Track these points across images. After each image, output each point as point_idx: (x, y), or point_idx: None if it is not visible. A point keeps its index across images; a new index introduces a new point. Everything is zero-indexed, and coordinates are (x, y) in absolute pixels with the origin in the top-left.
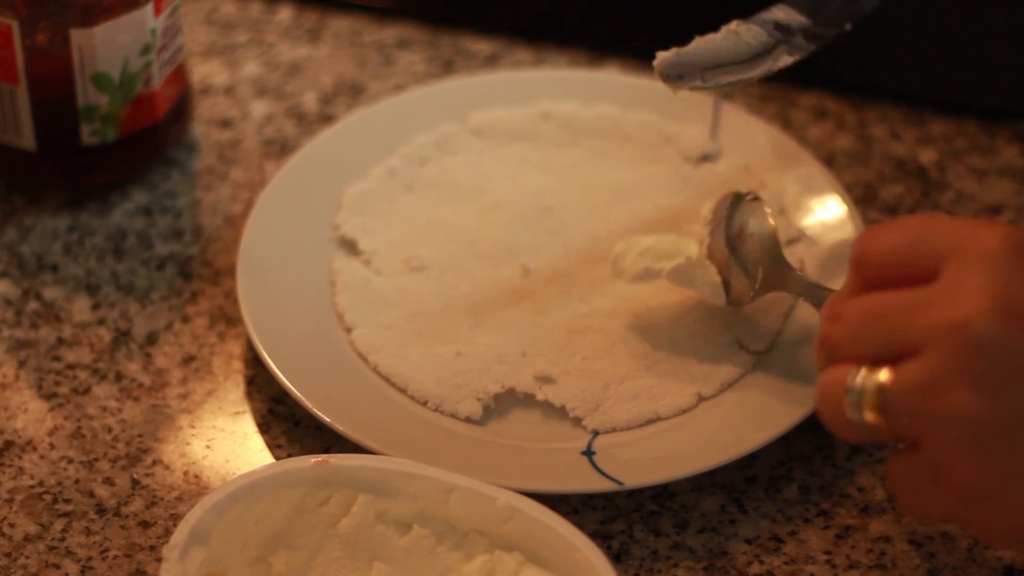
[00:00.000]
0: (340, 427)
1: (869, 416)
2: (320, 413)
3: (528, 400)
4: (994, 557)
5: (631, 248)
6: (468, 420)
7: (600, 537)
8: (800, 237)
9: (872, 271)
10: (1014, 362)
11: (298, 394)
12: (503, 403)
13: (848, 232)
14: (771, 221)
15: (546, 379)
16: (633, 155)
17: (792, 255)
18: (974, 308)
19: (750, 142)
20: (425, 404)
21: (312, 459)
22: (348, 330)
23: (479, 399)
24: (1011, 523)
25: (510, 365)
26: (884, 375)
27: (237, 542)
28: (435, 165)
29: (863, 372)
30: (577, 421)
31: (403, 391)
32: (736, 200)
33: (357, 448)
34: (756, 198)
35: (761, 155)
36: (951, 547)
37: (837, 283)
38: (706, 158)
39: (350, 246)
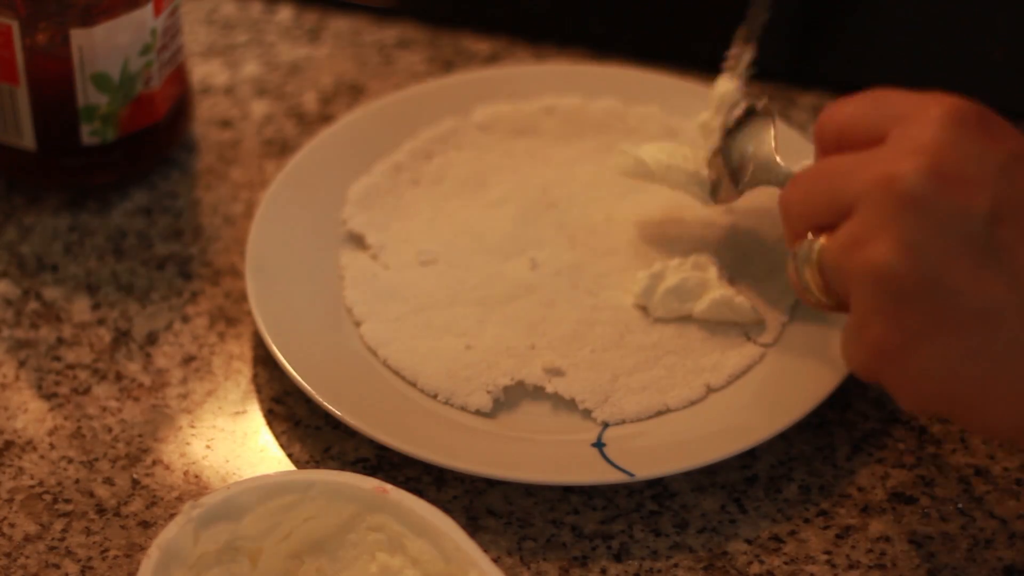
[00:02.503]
0: (351, 421)
1: (809, 276)
2: (331, 407)
3: (538, 392)
4: (994, 557)
5: (655, 285)
6: (478, 413)
7: (600, 537)
8: None
9: (830, 141)
10: (936, 221)
11: (309, 388)
12: (513, 396)
13: None
14: (772, 143)
15: (555, 371)
16: None
17: None
18: (906, 166)
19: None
20: (435, 397)
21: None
22: (357, 324)
23: (489, 392)
24: (918, 386)
25: (519, 358)
26: (823, 238)
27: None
28: (441, 160)
29: (809, 236)
30: (587, 413)
31: (413, 384)
32: (745, 116)
33: (357, 448)
34: (767, 114)
35: None
36: (951, 547)
37: None
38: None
39: (358, 241)
